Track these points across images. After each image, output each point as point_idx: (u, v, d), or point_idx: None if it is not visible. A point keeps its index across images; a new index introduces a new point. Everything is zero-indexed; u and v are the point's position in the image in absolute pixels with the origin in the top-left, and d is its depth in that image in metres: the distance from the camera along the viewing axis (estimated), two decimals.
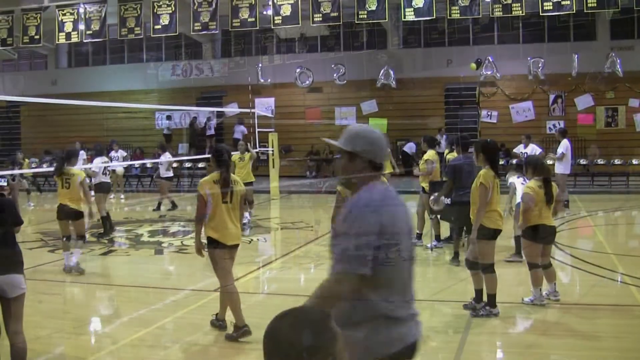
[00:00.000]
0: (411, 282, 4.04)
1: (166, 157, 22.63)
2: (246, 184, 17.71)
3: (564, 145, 19.50)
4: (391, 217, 3.86)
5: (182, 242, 15.39)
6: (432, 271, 12.51)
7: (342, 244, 3.73)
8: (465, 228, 12.09)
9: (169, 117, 36.37)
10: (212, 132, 34.95)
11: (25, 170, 23.64)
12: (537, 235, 9.24)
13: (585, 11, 25.86)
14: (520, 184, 12.27)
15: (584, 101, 31.65)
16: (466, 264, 9.34)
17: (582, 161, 28.95)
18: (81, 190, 12.07)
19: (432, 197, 12.52)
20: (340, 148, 4.06)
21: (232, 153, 18.85)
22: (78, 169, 12.54)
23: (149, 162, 31.07)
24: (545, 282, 9.49)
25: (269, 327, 2.49)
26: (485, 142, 9.34)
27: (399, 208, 4.02)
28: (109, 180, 17.73)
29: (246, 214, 18.32)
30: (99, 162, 17.24)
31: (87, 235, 16.95)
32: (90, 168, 17.62)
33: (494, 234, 8.96)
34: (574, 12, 26.15)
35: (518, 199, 12.57)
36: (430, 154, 14.01)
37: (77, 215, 12.13)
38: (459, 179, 11.66)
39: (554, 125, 30.20)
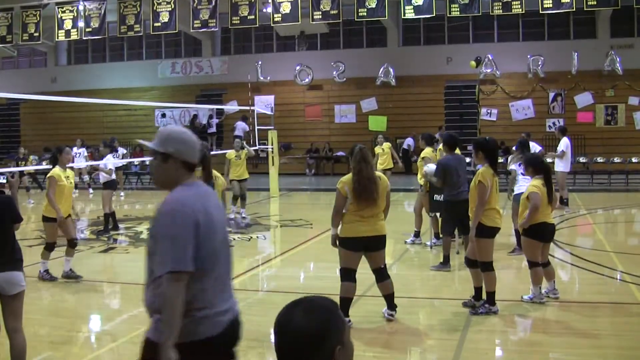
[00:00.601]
0: (229, 275, 4.26)
1: None
2: (242, 181, 18.06)
3: (564, 143, 19.50)
4: (206, 213, 4.00)
5: None
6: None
7: (162, 245, 3.91)
8: (459, 228, 12.08)
9: (163, 115, 36.31)
10: (214, 129, 35.03)
11: (23, 168, 23.64)
12: (539, 234, 9.24)
13: (585, 9, 25.89)
14: (520, 174, 12.27)
15: (583, 99, 31.67)
16: (465, 262, 9.33)
17: (582, 159, 28.96)
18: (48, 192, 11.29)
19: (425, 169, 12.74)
20: (153, 149, 4.08)
21: (229, 151, 19.01)
22: (59, 168, 11.91)
23: (148, 160, 31.02)
24: (544, 280, 9.49)
25: (281, 314, 2.59)
26: (485, 140, 9.33)
27: (213, 205, 4.15)
28: (115, 178, 17.67)
29: (242, 210, 18.43)
30: (111, 159, 17.15)
31: (87, 233, 17.00)
32: (100, 165, 17.52)
33: (493, 232, 8.98)
34: (574, 9, 26.16)
35: (516, 189, 12.60)
36: (427, 151, 13.90)
37: (43, 218, 11.50)
38: (449, 177, 11.63)
39: (554, 123, 30.24)
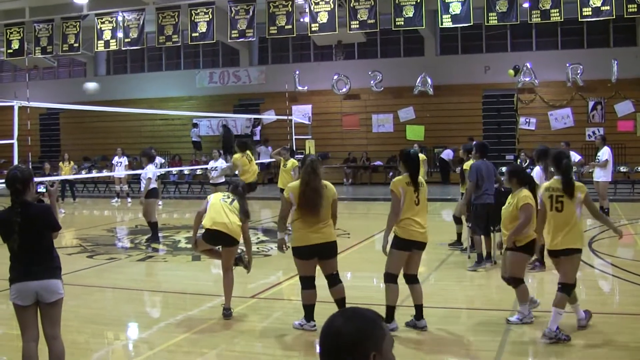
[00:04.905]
0: None
1: (219, 163, 22.61)
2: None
3: (607, 152, 19.29)
4: None
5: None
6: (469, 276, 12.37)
7: None
8: (493, 228, 12.56)
9: (195, 125, 36.53)
10: (258, 137, 35.36)
11: (62, 177, 23.92)
12: (533, 249, 9.00)
13: (625, 16, 25.56)
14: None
15: (624, 107, 31.33)
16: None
17: (623, 168, 28.62)
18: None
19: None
20: None
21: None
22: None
23: (186, 169, 31.31)
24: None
25: (326, 320, 2.79)
26: (409, 152, 8.97)
27: None
28: (157, 186, 17.65)
29: None
30: (152, 169, 17.11)
31: (127, 242, 17.11)
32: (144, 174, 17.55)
33: (404, 244, 8.61)
34: (614, 17, 25.87)
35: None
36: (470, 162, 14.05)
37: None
38: (480, 180, 12.04)
39: (594, 132, 29.93)
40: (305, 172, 8.59)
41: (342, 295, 8.82)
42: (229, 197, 9.64)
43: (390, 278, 8.60)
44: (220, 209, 9.44)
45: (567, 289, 8.27)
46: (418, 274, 8.74)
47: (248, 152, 18.19)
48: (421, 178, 8.82)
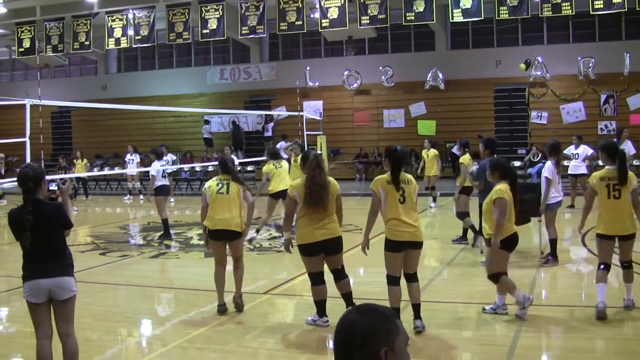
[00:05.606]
0: None
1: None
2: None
3: (632, 145, 19.21)
4: None
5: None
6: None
7: None
8: None
9: (206, 122, 36.59)
10: (270, 134, 35.34)
11: (73, 175, 23.97)
12: (511, 244, 8.97)
13: (637, 8, 25.41)
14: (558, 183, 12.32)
15: (636, 101, 31.15)
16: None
17: (635, 162, 28.47)
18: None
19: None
20: None
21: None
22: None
23: (198, 166, 31.34)
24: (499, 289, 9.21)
25: (343, 314, 2.83)
26: (395, 149, 8.72)
27: None
28: (167, 183, 17.55)
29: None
30: (157, 166, 17.04)
31: (140, 239, 17.14)
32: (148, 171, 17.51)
33: (395, 246, 8.45)
34: (626, 9, 25.73)
35: (551, 198, 12.37)
36: (465, 158, 14.33)
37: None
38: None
39: (606, 126, 29.79)
40: (310, 167, 8.58)
41: (349, 289, 8.86)
42: (223, 185, 9.59)
43: (391, 280, 8.53)
44: (219, 205, 9.48)
45: (631, 265, 9.27)
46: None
47: (282, 161, 16.75)
48: (409, 175, 8.70)
